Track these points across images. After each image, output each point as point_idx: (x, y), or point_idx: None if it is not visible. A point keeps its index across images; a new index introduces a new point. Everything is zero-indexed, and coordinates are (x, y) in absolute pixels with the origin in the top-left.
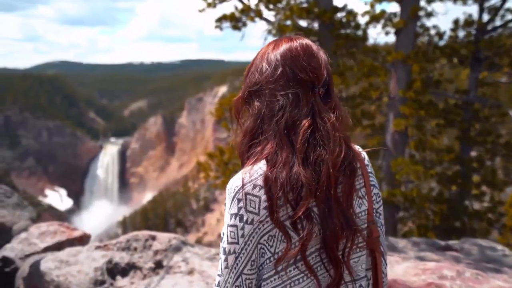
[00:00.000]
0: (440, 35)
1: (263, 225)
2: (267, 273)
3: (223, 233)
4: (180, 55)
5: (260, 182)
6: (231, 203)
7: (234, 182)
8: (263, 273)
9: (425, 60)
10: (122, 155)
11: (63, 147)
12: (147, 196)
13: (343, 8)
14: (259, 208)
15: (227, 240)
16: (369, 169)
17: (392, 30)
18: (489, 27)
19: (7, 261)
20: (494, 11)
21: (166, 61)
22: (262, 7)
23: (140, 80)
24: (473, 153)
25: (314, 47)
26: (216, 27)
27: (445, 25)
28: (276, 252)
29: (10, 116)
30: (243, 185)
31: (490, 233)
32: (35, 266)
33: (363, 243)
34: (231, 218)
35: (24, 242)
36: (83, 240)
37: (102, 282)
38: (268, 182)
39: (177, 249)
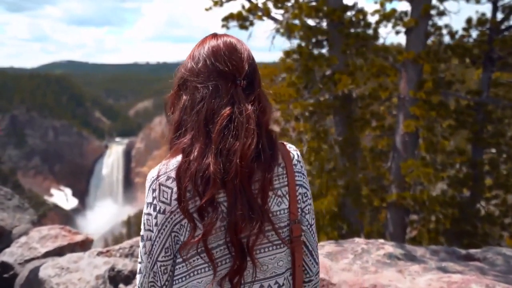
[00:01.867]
0: (452, 34)
1: (174, 215)
2: (177, 260)
3: (142, 221)
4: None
5: (173, 174)
6: (147, 192)
7: (151, 173)
8: (176, 260)
9: (437, 60)
10: (127, 155)
11: (69, 147)
12: None
13: (353, 7)
14: (170, 199)
15: (144, 228)
16: (298, 168)
17: (402, 29)
18: (503, 26)
19: (6, 266)
20: (509, 9)
21: (172, 61)
22: (270, 5)
23: (146, 80)
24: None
25: (238, 44)
26: (223, 26)
27: (457, 25)
28: (185, 240)
29: (17, 116)
30: (158, 176)
31: (503, 238)
32: (34, 273)
33: (279, 241)
34: (146, 207)
35: (24, 246)
36: (85, 244)
37: None
38: (179, 174)
39: None
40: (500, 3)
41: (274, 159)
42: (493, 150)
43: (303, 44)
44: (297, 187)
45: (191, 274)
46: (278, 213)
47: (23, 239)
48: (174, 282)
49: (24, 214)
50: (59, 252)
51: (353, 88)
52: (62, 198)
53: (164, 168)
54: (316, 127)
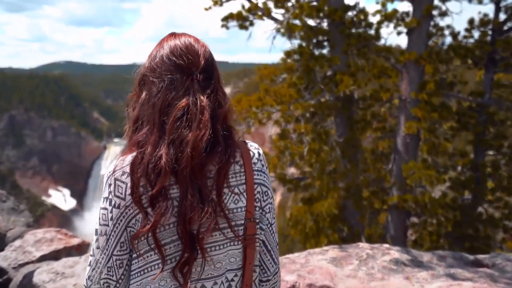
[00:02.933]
0: (455, 35)
1: (129, 210)
2: (133, 255)
3: (98, 215)
4: None
5: (128, 169)
6: (104, 187)
7: (108, 169)
8: (132, 255)
9: (439, 61)
10: None
11: (68, 147)
12: None
13: (354, 7)
14: (125, 193)
15: (99, 222)
16: (257, 167)
17: (403, 30)
18: (505, 27)
19: None
20: (511, 10)
21: None
22: (271, 5)
23: None
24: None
25: (195, 42)
26: (223, 26)
27: (459, 25)
28: (136, 231)
29: (15, 116)
30: (114, 171)
31: (505, 241)
32: (28, 278)
33: (233, 237)
34: (103, 202)
35: (19, 250)
36: (81, 248)
37: None
38: (133, 167)
39: None
40: (502, 4)
41: (230, 154)
42: (494, 152)
43: (303, 44)
44: (256, 186)
45: (146, 270)
46: (234, 210)
47: (17, 242)
48: (130, 278)
49: (19, 216)
50: (54, 256)
51: (355, 89)
52: (60, 198)
53: (120, 163)
54: (317, 128)
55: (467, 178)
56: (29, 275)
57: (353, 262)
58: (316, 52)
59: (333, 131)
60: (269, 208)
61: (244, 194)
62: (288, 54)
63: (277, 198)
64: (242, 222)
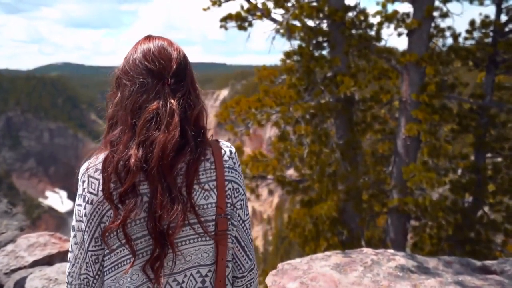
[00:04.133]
0: (456, 36)
1: (102, 206)
2: (105, 252)
3: (74, 212)
4: None
5: (100, 166)
6: (78, 184)
7: (82, 166)
8: (105, 251)
9: (440, 63)
10: None
11: (65, 149)
12: None
13: (355, 7)
14: (98, 189)
15: (75, 218)
16: (229, 164)
17: (404, 31)
18: (507, 28)
19: None
20: None
21: None
22: (270, 5)
23: None
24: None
25: (169, 45)
26: (221, 26)
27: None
28: (106, 226)
29: (12, 117)
30: (87, 168)
31: (506, 245)
32: (20, 284)
33: (202, 232)
34: (77, 198)
35: (11, 255)
36: None
37: None
38: (104, 164)
39: None
40: (504, 5)
41: (199, 152)
42: (494, 154)
43: (303, 45)
44: (227, 183)
45: (119, 265)
46: (205, 206)
47: (9, 247)
48: (104, 273)
49: (11, 220)
50: (48, 261)
51: (355, 90)
52: (57, 200)
53: (93, 161)
54: (317, 130)
55: (467, 180)
56: (21, 281)
57: (357, 268)
58: (316, 53)
59: (333, 132)
60: (240, 204)
61: (215, 190)
62: (287, 55)
63: (275, 200)
64: (213, 217)
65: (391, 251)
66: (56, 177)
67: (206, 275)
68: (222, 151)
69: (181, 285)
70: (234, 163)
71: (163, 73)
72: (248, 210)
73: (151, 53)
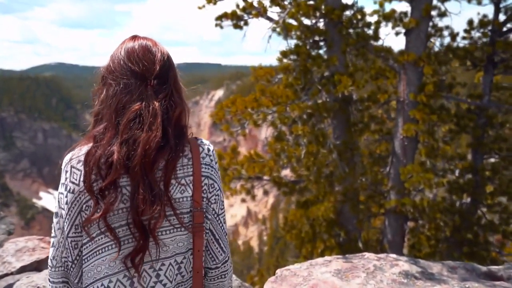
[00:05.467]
0: (454, 36)
1: (82, 195)
2: (85, 238)
3: (57, 199)
4: (178, 59)
5: (83, 158)
6: (62, 174)
7: (66, 156)
8: (84, 238)
9: (437, 62)
10: None
11: (59, 150)
12: None
13: (352, 6)
14: (79, 180)
15: (58, 206)
16: (206, 161)
17: (402, 30)
18: (505, 28)
19: None
20: (511, 11)
21: None
22: (267, 2)
23: None
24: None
25: (153, 46)
26: (217, 25)
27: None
28: (87, 217)
29: (6, 118)
30: (71, 159)
31: (504, 246)
32: None
33: (178, 224)
34: (60, 187)
35: None
36: None
37: None
38: (87, 157)
39: None
40: (502, 5)
41: (178, 149)
42: (493, 155)
43: (300, 44)
44: (203, 178)
45: (97, 253)
46: (180, 199)
47: None
48: (84, 261)
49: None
50: (36, 266)
51: (353, 89)
52: (51, 201)
53: (77, 152)
54: (314, 130)
55: (465, 181)
56: None
57: (360, 275)
58: (313, 52)
59: (330, 132)
60: (215, 199)
61: (191, 185)
62: (284, 54)
63: (270, 200)
64: (188, 210)
65: (393, 255)
66: (50, 177)
67: (182, 262)
68: (200, 148)
69: (157, 272)
70: (211, 160)
71: (146, 75)
72: (223, 205)
73: (135, 55)
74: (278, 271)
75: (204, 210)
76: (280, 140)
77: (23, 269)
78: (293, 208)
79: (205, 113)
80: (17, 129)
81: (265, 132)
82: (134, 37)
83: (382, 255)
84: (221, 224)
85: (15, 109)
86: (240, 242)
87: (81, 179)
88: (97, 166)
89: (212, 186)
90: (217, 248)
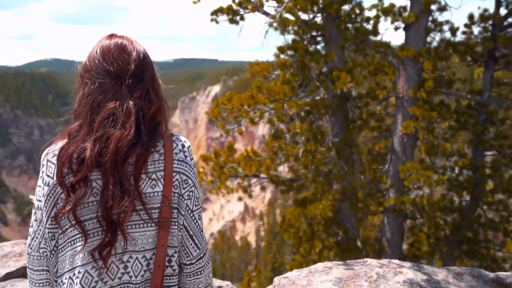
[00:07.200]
0: (454, 31)
1: (57, 188)
2: (59, 231)
3: (36, 192)
4: (174, 55)
5: (57, 152)
6: (40, 167)
7: (45, 151)
8: (59, 230)
9: (437, 58)
10: None
11: None
12: None
13: (351, 0)
14: (54, 173)
15: (36, 198)
16: (179, 157)
17: (401, 25)
18: (506, 22)
19: None
20: None
21: (159, 60)
22: None
23: None
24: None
25: (129, 45)
26: (212, 20)
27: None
28: (57, 210)
29: (1, 114)
30: (47, 153)
31: (505, 245)
32: None
33: (147, 218)
34: (39, 179)
35: None
36: None
37: None
38: (60, 153)
39: None
40: None
41: (149, 145)
42: (493, 152)
43: (297, 39)
44: (175, 174)
45: (69, 244)
46: (151, 194)
47: None
48: (59, 251)
49: None
50: (22, 273)
51: (352, 86)
52: None
53: (53, 147)
54: (312, 128)
55: (465, 179)
56: None
57: (362, 284)
58: (311, 48)
59: (328, 129)
60: (188, 195)
61: (161, 180)
62: (281, 49)
63: (267, 195)
64: (158, 205)
65: (397, 261)
66: None
67: (151, 258)
68: (174, 144)
69: (125, 263)
70: (186, 156)
71: (121, 75)
72: (198, 202)
73: (110, 54)
74: (276, 280)
75: (176, 205)
76: (278, 138)
77: (8, 276)
78: (291, 205)
79: (202, 108)
80: (13, 125)
81: (262, 129)
82: (111, 36)
83: (384, 261)
84: (195, 220)
85: (11, 105)
86: (237, 237)
87: (55, 172)
88: (69, 161)
89: (186, 182)
90: (191, 244)
